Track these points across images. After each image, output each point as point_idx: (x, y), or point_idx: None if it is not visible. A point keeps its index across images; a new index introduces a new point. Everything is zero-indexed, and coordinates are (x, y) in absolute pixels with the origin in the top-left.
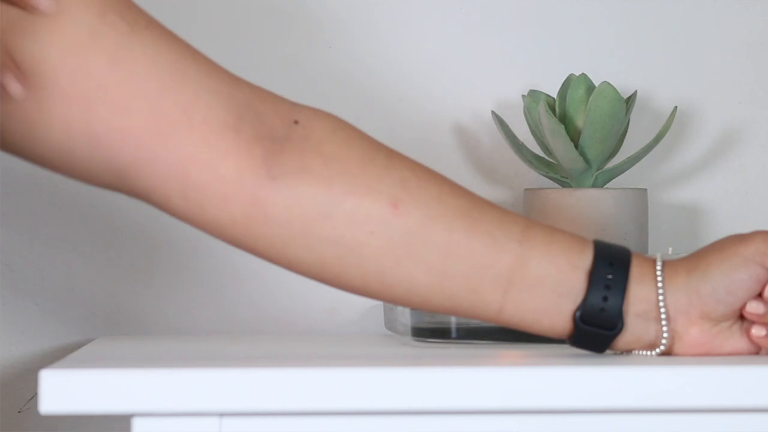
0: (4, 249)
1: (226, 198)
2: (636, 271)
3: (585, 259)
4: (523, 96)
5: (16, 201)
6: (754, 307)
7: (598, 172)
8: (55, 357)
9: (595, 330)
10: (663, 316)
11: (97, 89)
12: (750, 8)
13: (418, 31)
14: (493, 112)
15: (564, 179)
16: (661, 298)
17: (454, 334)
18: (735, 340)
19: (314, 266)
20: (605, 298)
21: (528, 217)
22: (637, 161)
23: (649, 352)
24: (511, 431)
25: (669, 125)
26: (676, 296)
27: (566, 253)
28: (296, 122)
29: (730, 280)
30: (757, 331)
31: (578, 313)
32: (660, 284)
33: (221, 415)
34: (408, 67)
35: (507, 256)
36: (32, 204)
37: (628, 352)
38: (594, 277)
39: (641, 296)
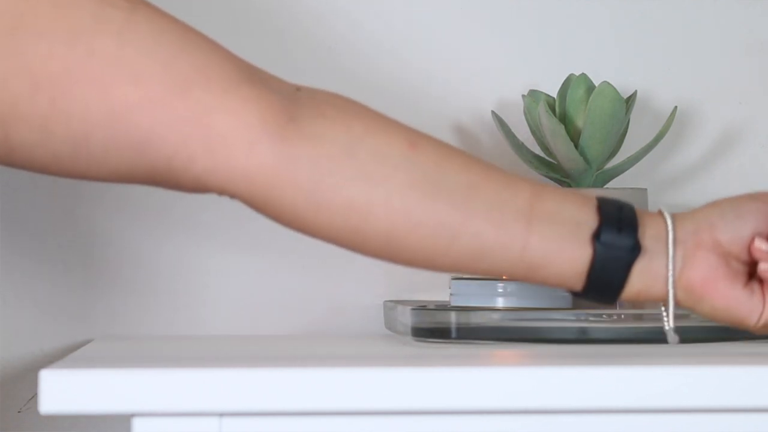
0: (4, 249)
1: (251, 142)
2: (642, 212)
3: (592, 200)
4: (523, 96)
5: (16, 201)
6: (760, 243)
7: (598, 172)
8: (55, 357)
9: (616, 252)
10: (671, 240)
11: (108, 66)
12: (750, 8)
13: (418, 32)
14: (493, 112)
15: (564, 179)
16: (670, 226)
17: (454, 334)
18: (739, 291)
19: (341, 210)
20: (619, 226)
21: None
22: (637, 161)
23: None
24: (511, 431)
25: (669, 125)
26: (684, 223)
27: (574, 194)
28: (299, 89)
29: (738, 205)
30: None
31: (597, 238)
32: (668, 217)
33: (221, 415)
34: (408, 67)
35: (524, 193)
36: (32, 204)
37: (642, 296)
38: (605, 211)
39: (652, 226)
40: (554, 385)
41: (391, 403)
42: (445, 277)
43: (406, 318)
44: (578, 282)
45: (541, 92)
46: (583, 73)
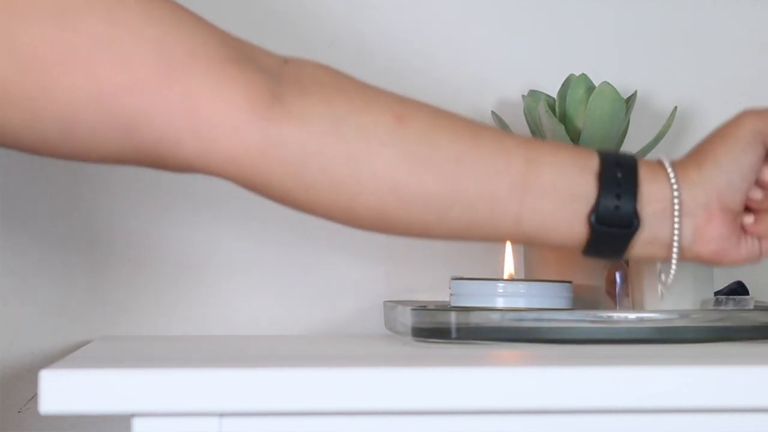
0: (4, 249)
1: (238, 126)
2: (645, 171)
3: (592, 163)
4: (523, 96)
5: (16, 201)
6: (752, 193)
7: None
8: (55, 357)
9: (612, 230)
10: (677, 211)
11: (97, 48)
12: (750, 8)
13: (418, 32)
14: (493, 112)
15: None
16: (676, 194)
17: (454, 334)
18: (748, 243)
19: (330, 189)
20: (618, 196)
21: None
22: None
23: (670, 258)
24: (511, 431)
25: (669, 125)
26: (692, 192)
27: (573, 157)
28: (286, 62)
29: (741, 166)
30: (746, 219)
31: (593, 216)
32: (674, 181)
33: (221, 415)
34: (408, 67)
35: (517, 161)
36: (32, 204)
37: (647, 259)
38: (604, 178)
39: (656, 194)
40: (554, 385)
41: (391, 403)
42: (445, 277)
43: (406, 318)
44: (577, 248)
45: (541, 92)
46: (583, 73)
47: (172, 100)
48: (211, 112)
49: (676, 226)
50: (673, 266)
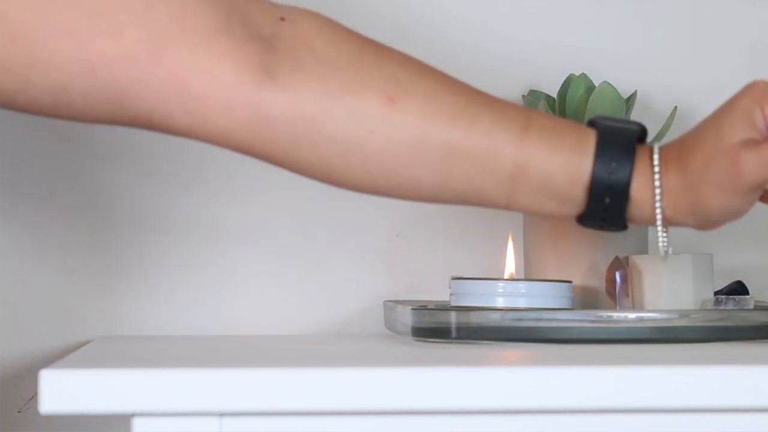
0: (4, 248)
1: (228, 103)
2: (637, 172)
3: (582, 177)
4: (523, 96)
5: (16, 201)
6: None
7: None
8: (55, 357)
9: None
10: (657, 165)
11: (87, 19)
12: (750, 8)
13: (418, 31)
14: None
15: None
16: (657, 151)
17: (454, 334)
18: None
19: (321, 168)
20: (605, 215)
21: (528, 221)
22: None
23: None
24: (511, 431)
25: (669, 125)
26: (677, 205)
27: (565, 158)
28: (282, 19)
29: (731, 160)
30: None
31: (582, 220)
32: (657, 167)
33: (221, 415)
34: None
35: (506, 160)
36: (32, 204)
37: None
38: (593, 195)
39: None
40: (554, 385)
41: (391, 403)
42: (445, 277)
43: (406, 318)
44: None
45: (541, 92)
46: (583, 73)
47: (162, 76)
48: (201, 89)
49: (656, 156)
50: (658, 205)
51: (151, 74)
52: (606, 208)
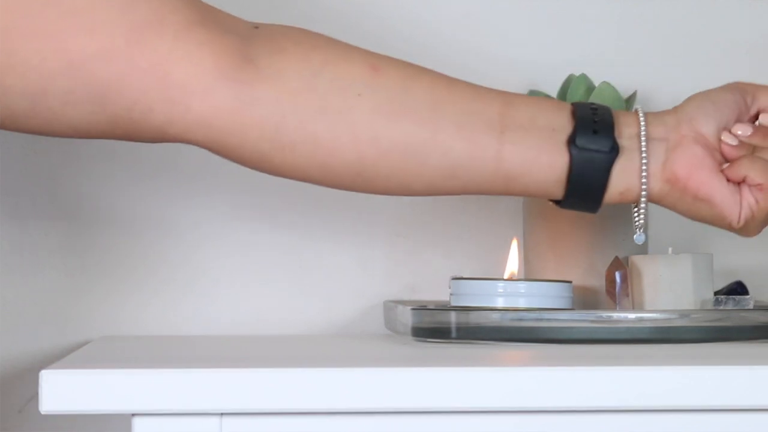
0: (4, 249)
1: (209, 88)
2: (618, 114)
3: (567, 105)
4: None
5: (16, 201)
6: (726, 137)
7: None
8: (55, 357)
9: (593, 154)
10: (644, 136)
11: (65, 18)
12: (750, 8)
13: (417, 31)
14: None
15: None
16: (642, 120)
17: (454, 334)
18: (723, 183)
19: (306, 146)
20: (595, 124)
21: (528, 221)
22: None
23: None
24: (511, 431)
25: None
26: (662, 119)
27: (548, 101)
28: (256, 27)
29: (715, 98)
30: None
31: (574, 142)
32: (641, 115)
33: (221, 415)
34: None
35: (494, 103)
36: (32, 204)
37: (624, 201)
38: (579, 112)
39: (629, 123)
40: (554, 385)
41: (391, 403)
42: (445, 277)
43: (406, 318)
44: (559, 189)
45: (541, 92)
46: (583, 73)
47: (142, 67)
48: (181, 77)
49: (644, 146)
50: (644, 195)
51: (132, 67)
52: (594, 117)
